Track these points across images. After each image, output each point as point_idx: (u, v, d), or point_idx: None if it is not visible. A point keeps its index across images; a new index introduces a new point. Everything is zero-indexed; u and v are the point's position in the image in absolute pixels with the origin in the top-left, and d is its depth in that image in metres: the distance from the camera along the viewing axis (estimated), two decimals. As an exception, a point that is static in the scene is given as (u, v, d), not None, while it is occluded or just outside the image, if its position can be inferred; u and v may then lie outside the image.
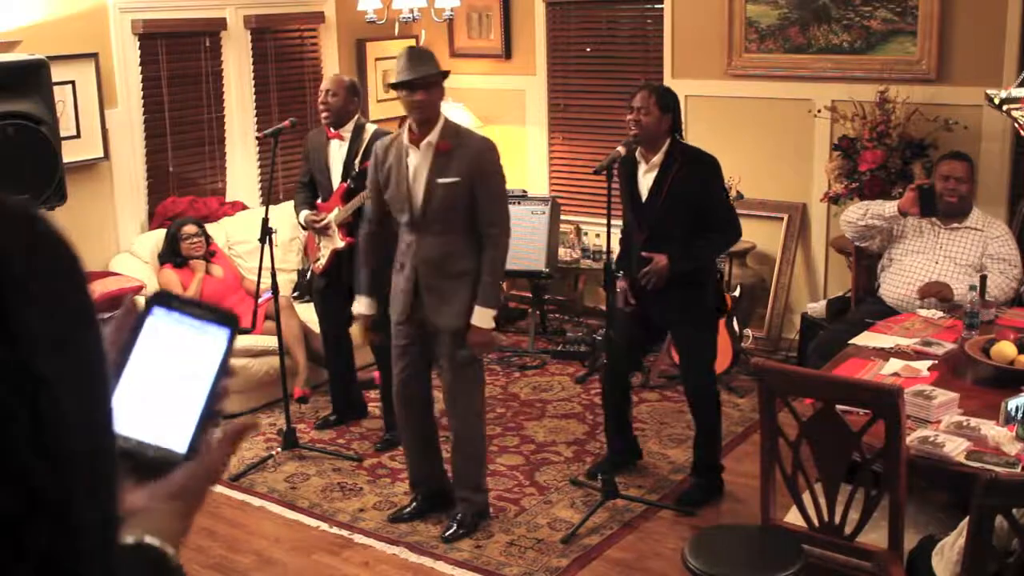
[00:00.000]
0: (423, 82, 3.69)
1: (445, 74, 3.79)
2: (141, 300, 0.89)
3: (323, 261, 4.85)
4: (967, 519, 2.49)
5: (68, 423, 0.65)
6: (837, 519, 2.92)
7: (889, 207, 4.50)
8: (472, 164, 3.72)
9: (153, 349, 0.88)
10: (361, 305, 4.06)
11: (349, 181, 4.70)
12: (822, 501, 2.94)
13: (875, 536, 2.90)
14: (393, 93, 6.88)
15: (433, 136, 3.75)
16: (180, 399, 0.88)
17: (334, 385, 5.15)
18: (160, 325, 0.89)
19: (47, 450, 0.62)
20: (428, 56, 3.79)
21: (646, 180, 4.11)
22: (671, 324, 4.27)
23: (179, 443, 0.88)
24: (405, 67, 3.72)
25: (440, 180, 3.73)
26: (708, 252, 4.20)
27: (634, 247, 4.16)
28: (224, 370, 0.89)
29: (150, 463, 0.87)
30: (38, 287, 0.64)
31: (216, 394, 0.88)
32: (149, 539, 0.85)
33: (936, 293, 4.26)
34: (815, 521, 2.97)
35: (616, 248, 4.30)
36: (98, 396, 0.69)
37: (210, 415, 0.89)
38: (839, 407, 2.91)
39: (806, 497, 3.01)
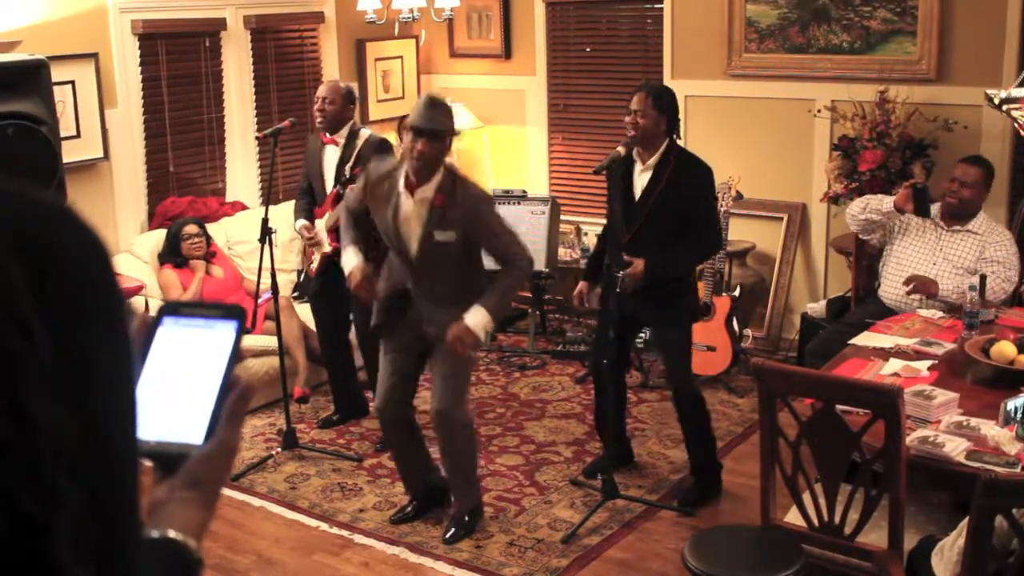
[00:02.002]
0: (429, 133, 3.63)
1: (453, 132, 3.78)
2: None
3: (315, 264, 4.87)
4: (967, 519, 2.49)
5: (100, 422, 0.66)
6: (837, 519, 2.92)
7: (887, 203, 4.51)
8: (467, 220, 3.69)
9: (165, 355, 0.93)
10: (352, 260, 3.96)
11: (338, 187, 4.71)
12: (822, 501, 2.94)
13: (875, 536, 2.90)
14: (392, 94, 6.96)
15: (428, 191, 3.69)
16: (195, 395, 0.92)
17: (335, 384, 5.15)
18: (170, 332, 0.94)
19: (78, 455, 0.63)
20: (445, 110, 3.73)
21: (641, 180, 4.13)
22: (648, 323, 4.31)
23: (198, 436, 0.91)
24: (419, 113, 3.67)
25: (437, 236, 3.71)
26: (686, 260, 4.19)
27: (617, 246, 4.15)
28: (235, 359, 0.92)
29: (172, 460, 0.91)
30: (74, 286, 0.65)
31: (228, 383, 0.92)
32: (173, 533, 0.87)
33: (921, 285, 4.27)
34: (815, 521, 2.97)
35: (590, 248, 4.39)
36: (127, 398, 0.70)
37: (224, 402, 0.92)
38: (838, 407, 2.91)
39: (806, 497, 3.01)
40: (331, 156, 4.78)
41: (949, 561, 2.55)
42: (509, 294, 3.80)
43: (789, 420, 3.01)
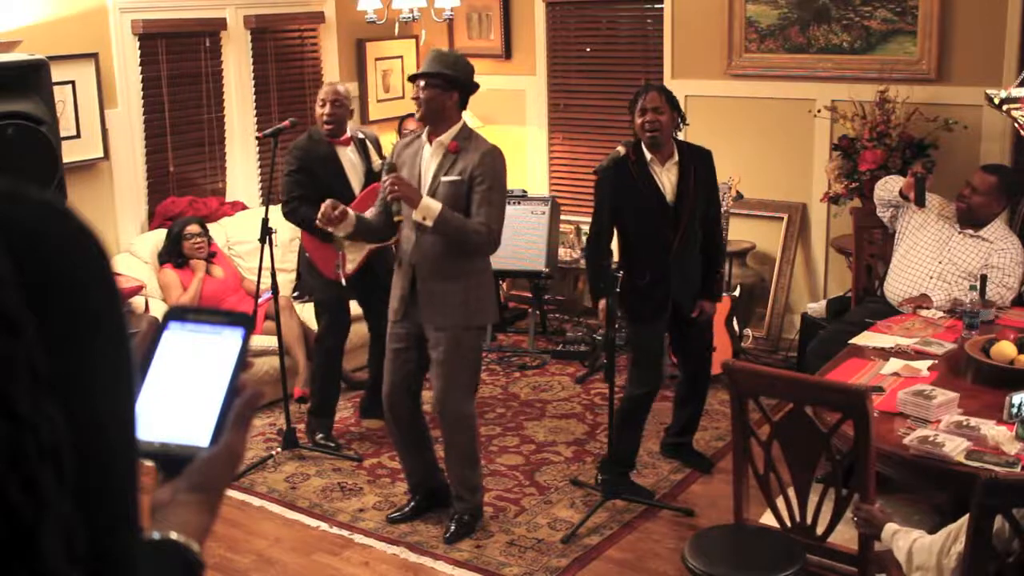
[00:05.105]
0: (426, 79, 3.73)
1: (455, 80, 3.74)
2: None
3: (354, 264, 4.69)
4: (956, 523, 2.49)
5: (93, 422, 0.66)
6: (809, 519, 2.93)
7: (896, 188, 4.60)
8: (475, 164, 3.74)
9: (172, 358, 0.94)
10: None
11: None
12: (794, 501, 2.96)
13: (850, 536, 2.90)
14: (392, 94, 6.96)
15: (446, 137, 3.79)
16: (201, 399, 0.93)
17: (335, 384, 5.04)
18: (177, 337, 0.95)
19: (73, 452, 0.63)
20: (446, 59, 3.80)
21: (668, 179, 4.14)
22: (692, 303, 4.29)
23: (203, 439, 0.93)
24: (423, 62, 3.82)
25: (444, 177, 3.76)
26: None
27: (649, 251, 4.14)
28: (241, 365, 0.94)
29: (176, 462, 0.92)
30: (71, 284, 0.65)
31: (234, 388, 0.93)
32: (174, 535, 0.87)
33: (917, 303, 4.31)
34: (787, 522, 2.97)
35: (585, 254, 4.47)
36: (123, 398, 0.70)
37: (230, 407, 0.93)
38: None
39: (793, 495, 3.01)
40: (350, 157, 4.77)
41: (947, 568, 2.53)
42: (463, 230, 3.72)
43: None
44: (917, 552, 2.55)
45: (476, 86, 3.86)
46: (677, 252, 4.13)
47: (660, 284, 4.12)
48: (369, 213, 4.00)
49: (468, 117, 6.60)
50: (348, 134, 4.78)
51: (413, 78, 3.83)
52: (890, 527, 2.65)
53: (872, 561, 2.83)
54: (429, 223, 3.68)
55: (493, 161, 3.77)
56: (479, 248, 3.81)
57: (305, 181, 4.66)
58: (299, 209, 4.65)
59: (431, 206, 3.68)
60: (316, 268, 4.76)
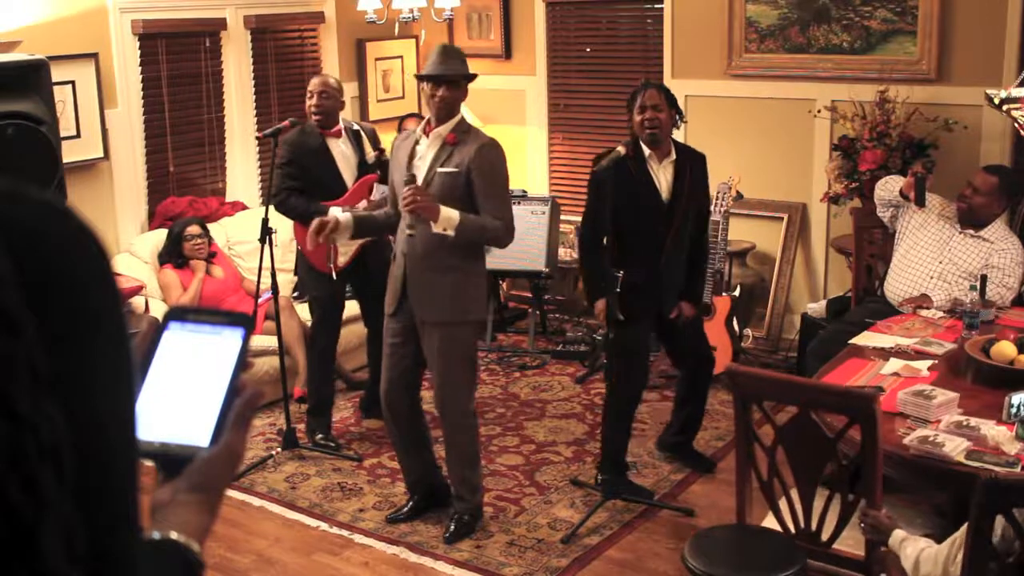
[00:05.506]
0: (448, 80, 3.77)
1: (471, 77, 3.87)
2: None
3: (347, 257, 4.72)
4: (960, 532, 2.48)
5: (92, 421, 0.66)
6: (814, 525, 2.93)
7: (896, 189, 4.61)
8: (472, 157, 3.75)
9: (172, 358, 0.94)
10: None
11: (379, 172, 4.76)
12: (798, 506, 2.95)
13: (853, 542, 2.90)
14: (392, 93, 6.96)
15: (444, 129, 3.82)
16: (202, 399, 0.93)
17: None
18: (177, 337, 0.95)
19: (72, 449, 0.63)
20: (458, 56, 3.88)
21: (664, 178, 4.16)
22: (675, 303, 4.33)
23: (204, 439, 0.93)
24: (435, 62, 3.82)
25: (440, 169, 3.78)
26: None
27: (642, 248, 4.15)
28: (241, 365, 0.94)
29: (176, 462, 0.92)
30: (70, 282, 0.65)
31: (234, 388, 0.93)
32: (174, 535, 0.87)
33: (917, 303, 4.31)
34: (791, 527, 2.97)
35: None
36: (121, 396, 0.70)
37: (230, 408, 0.93)
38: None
39: (797, 500, 3.01)
40: (342, 149, 4.77)
41: None
42: (483, 230, 3.75)
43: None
44: (924, 562, 2.54)
45: (473, 76, 3.93)
46: (668, 250, 4.15)
47: (651, 282, 4.13)
48: (380, 212, 4.02)
49: (468, 116, 6.63)
50: (340, 125, 4.79)
51: (429, 79, 3.80)
52: (898, 534, 2.65)
53: (877, 561, 2.83)
54: (451, 233, 3.70)
55: (491, 154, 3.80)
56: (500, 241, 3.85)
57: (295, 173, 4.69)
58: (288, 200, 4.68)
59: (452, 217, 3.69)
60: (308, 261, 4.76)
